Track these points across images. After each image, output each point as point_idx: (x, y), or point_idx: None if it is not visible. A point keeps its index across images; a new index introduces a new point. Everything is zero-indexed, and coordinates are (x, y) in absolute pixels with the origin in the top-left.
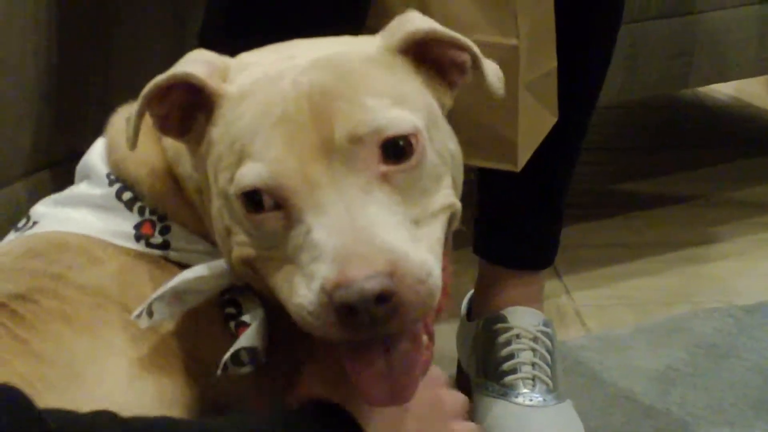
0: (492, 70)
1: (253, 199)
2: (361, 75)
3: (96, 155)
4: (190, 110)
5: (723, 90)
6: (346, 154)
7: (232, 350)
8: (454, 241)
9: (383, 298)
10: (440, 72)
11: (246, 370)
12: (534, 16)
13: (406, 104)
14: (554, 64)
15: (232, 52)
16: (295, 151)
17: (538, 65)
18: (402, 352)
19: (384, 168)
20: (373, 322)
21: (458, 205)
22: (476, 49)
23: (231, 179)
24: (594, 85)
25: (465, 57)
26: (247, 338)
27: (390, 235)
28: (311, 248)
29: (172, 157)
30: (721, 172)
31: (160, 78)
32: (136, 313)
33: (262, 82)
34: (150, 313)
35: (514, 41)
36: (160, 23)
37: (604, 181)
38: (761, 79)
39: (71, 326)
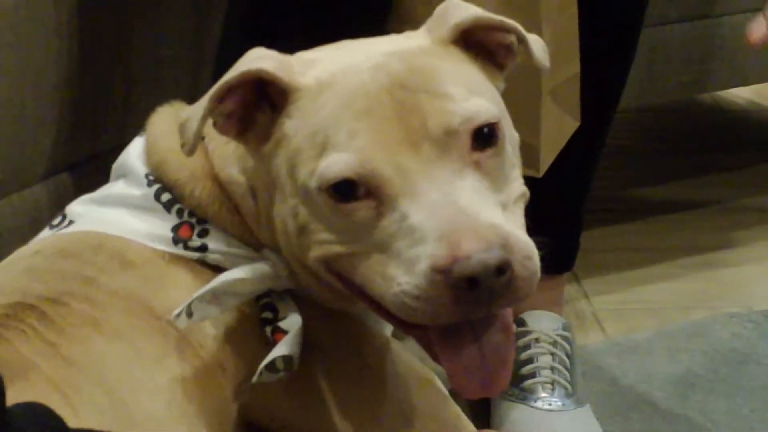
0: (538, 46)
1: (341, 190)
2: (434, 67)
3: (134, 155)
4: (251, 108)
5: (742, 94)
6: (440, 144)
7: (270, 358)
8: None
9: (502, 270)
10: (488, 56)
11: (279, 377)
12: (559, 22)
13: (481, 93)
14: (577, 69)
15: None
16: (383, 141)
17: (561, 71)
18: (495, 342)
19: (475, 155)
20: (491, 295)
21: (528, 194)
22: (521, 29)
23: (312, 172)
24: (614, 90)
25: (511, 38)
26: (285, 346)
27: (492, 214)
28: (409, 233)
29: (217, 160)
30: (740, 176)
31: (230, 76)
32: (176, 312)
33: (340, 75)
34: (189, 314)
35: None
36: (180, 27)
37: (623, 185)
38: None
39: (101, 331)
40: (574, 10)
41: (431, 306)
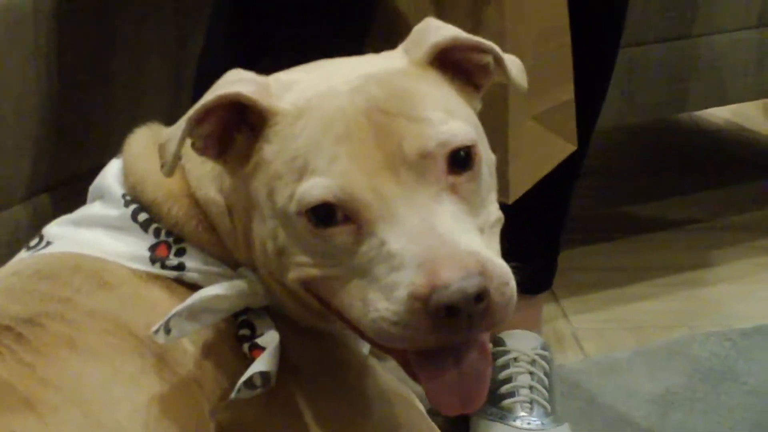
0: (515, 67)
1: (320, 215)
2: (412, 91)
3: (111, 176)
4: (229, 129)
5: (720, 114)
6: (416, 168)
7: (248, 374)
8: None
9: (480, 297)
10: (465, 77)
11: (257, 393)
12: (545, 48)
13: (459, 116)
14: (571, 96)
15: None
16: (362, 165)
17: (549, 96)
18: (473, 362)
19: (451, 179)
20: (469, 322)
21: (503, 218)
22: (498, 50)
23: (291, 196)
24: (592, 111)
25: (488, 58)
26: (262, 362)
27: (470, 240)
28: (388, 259)
29: (194, 180)
30: (718, 196)
31: (208, 99)
32: (154, 328)
33: (317, 99)
34: (167, 331)
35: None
36: (160, 47)
37: (602, 204)
38: (758, 103)
39: (77, 351)
40: (566, 39)
41: (409, 332)
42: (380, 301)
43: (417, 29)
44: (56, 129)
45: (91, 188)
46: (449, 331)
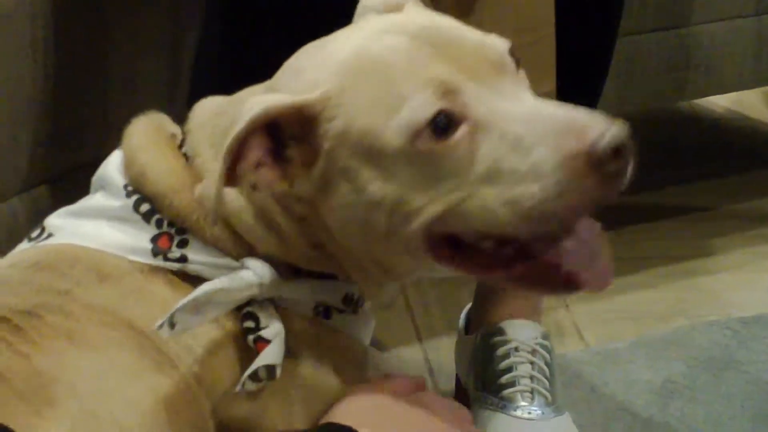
0: None
1: (438, 125)
2: (438, 18)
3: (113, 166)
4: (275, 153)
5: (720, 102)
6: (498, 67)
7: (253, 367)
8: None
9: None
10: None
11: (262, 386)
12: (518, 41)
13: None
14: (552, 87)
15: (229, 75)
16: (449, 70)
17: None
18: (600, 239)
19: (520, 74)
20: (622, 170)
21: None
22: None
23: (399, 128)
24: (591, 100)
25: None
26: (268, 355)
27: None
28: (517, 145)
29: (208, 175)
30: (718, 184)
31: (238, 129)
32: (158, 323)
33: (353, 57)
34: (172, 325)
35: None
36: (156, 42)
37: None
38: (758, 91)
39: (75, 343)
40: (550, 30)
41: (574, 198)
42: (530, 186)
43: None
44: (53, 121)
45: (94, 179)
46: (612, 181)
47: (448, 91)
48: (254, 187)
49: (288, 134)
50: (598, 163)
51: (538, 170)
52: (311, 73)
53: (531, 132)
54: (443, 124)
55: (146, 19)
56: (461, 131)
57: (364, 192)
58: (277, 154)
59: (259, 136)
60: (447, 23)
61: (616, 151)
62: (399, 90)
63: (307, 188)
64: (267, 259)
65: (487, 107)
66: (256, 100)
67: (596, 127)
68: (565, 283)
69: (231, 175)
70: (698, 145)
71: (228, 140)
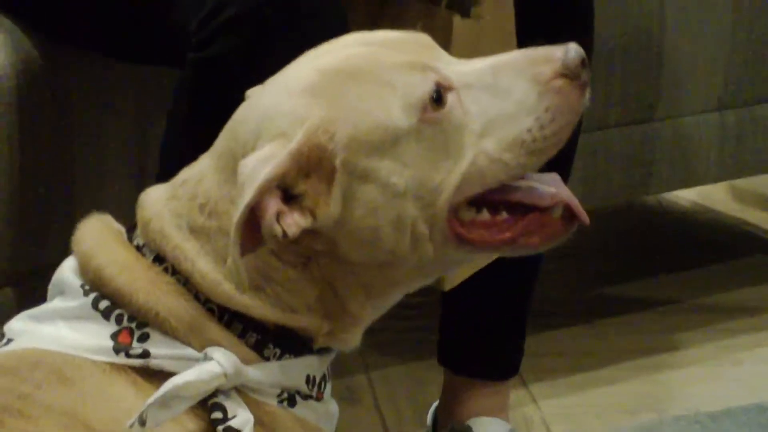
0: None
1: (436, 98)
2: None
3: (68, 270)
4: (290, 201)
5: (687, 196)
6: (436, 49)
7: None
8: (420, 352)
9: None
10: None
11: None
12: None
13: None
14: None
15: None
16: (410, 56)
17: None
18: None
19: None
20: (589, 78)
21: None
22: None
23: (404, 108)
24: None
25: None
26: None
27: None
28: (494, 90)
29: (208, 282)
30: (684, 278)
31: (249, 199)
32: (130, 422)
33: (319, 78)
34: (142, 422)
35: None
36: (122, 141)
37: (569, 288)
38: (725, 185)
39: None
40: None
41: (566, 113)
42: (522, 124)
43: None
44: (18, 221)
45: (50, 286)
46: (587, 87)
47: (426, 69)
48: (284, 234)
49: (292, 176)
50: (574, 75)
51: (525, 104)
52: (282, 110)
53: (503, 77)
54: (438, 95)
55: (112, 123)
56: (451, 98)
57: (389, 186)
58: (287, 196)
59: (271, 200)
60: (370, 34)
61: (582, 61)
62: (384, 80)
63: (331, 212)
64: (258, 325)
65: (457, 75)
66: (252, 166)
67: (556, 48)
68: (565, 217)
69: (251, 240)
70: (665, 238)
71: (238, 212)
